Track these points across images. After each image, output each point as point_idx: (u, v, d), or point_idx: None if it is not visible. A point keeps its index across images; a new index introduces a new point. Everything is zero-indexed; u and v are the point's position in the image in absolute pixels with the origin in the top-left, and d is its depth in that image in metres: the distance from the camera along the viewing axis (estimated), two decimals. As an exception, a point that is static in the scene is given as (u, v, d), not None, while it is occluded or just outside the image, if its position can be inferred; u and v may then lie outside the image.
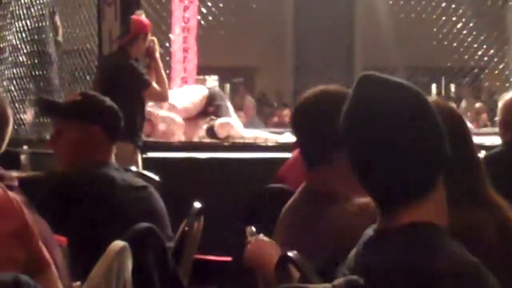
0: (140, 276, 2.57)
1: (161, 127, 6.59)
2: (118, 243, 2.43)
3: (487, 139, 5.37)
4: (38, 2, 7.64)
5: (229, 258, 4.04)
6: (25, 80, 7.87)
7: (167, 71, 6.85)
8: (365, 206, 2.16)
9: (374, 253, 1.61)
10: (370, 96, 1.61)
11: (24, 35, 7.82)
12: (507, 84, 9.60)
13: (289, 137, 5.96)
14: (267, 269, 2.19)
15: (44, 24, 7.56)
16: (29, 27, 7.75)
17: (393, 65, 11.14)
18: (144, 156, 5.68)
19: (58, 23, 7.38)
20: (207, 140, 6.64)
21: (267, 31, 13.82)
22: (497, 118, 4.40)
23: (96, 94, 3.29)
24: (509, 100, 4.15)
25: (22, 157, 6.02)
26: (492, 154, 3.94)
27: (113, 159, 3.09)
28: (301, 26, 15.07)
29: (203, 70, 8.31)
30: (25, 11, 7.76)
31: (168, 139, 6.54)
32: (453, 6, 10.11)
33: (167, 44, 7.79)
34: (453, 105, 2.10)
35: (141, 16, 5.97)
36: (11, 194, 2.04)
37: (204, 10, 9.02)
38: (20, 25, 7.87)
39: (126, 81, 5.49)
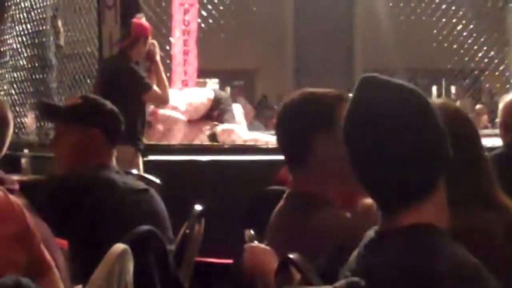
0: (141, 279, 2.57)
1: (160, 127, 6.59)
2: (119, 246, 2.43)
3: (488, 140, 5.37)
4: (38, 6, 7.65)
5: (230, 261, 4.04)
6: (25, 84, 7.87)
7: (168, 74, 6.86)
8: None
9: (375, 255, 1.61)
10: (371, 98, 1.62)
11: (24, 38, 7.82)
12: (507, 86, 9.61)
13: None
14: (266, 276, 2.19)
15: (44, 27, 7.57)
16: (29, 30, 7.76)
17: (393, 67, 11.14)
18: (145, 159, 5.68)
19: (60, 27, 7.39)
20: (208, 142, 6.64)
21: (268, 33, 13.82)
22: (497, 120, 4.40)
23: (97, 97, 3.29)
24: (509, 102, 4.15)
25: (23, 160, 6.02)
26: (493, 155, 3.93)
27: (114, 162, 3.10)
28: (301, 29, 15.08)
29: (203, 73, 8.32)
30: (25, 15, 7.76)
31: (167, 139, 6.55)
32: (453, 8, 10.12)
33: (168, 47, 7.79)
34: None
35: (141, 20, 5.97)
36: (12, 197, 2.05)
37: (204, 13, 9.02)
38: (21, 28, 7.88)
39: (126, 84, 5.49)
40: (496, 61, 9.95)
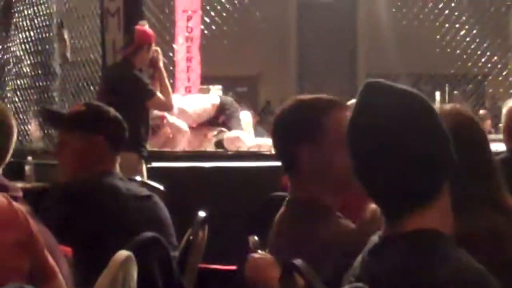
0: (145, 285, 2.57)
1: (167, 130, 6.58)
2: (123, 253, 2.43)
3: (491, 145, 5.35)
4: (41, 13, 7.66)
5: (234, 267, 4.04)
6: (28, 91, 7.88)
7: (171, 81, 6.86)
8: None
9: (379, 260, 1.61)
10: (374, 103, 1.61)
11: (27, 46, 7.83)
12: (510, 91, 9.60)
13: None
14: (268, 286, 2.19)
15: (47, 35, 7.58)
16: (33, 38, 7.77)
17: (396, 72, 11.13)
18: (149, 165, 5.68)
19: (66, 37, 7.39)
20: (211, 149, 6.64)
21: (270, 39, 13.83)
22: (501, 125, 4.40)
23: (100, 104, 3.29)
24: (513, 107, 4.15)
25: (27, 168, 6.03)
26: (496, 160, 3.93)
27: (117, 169, 3.10)
28: (304, 34, 15.09)
29: (206, 79, 8.32)
30: (28, 22, 7.77)
31: (171, 145, 6.55)
32: (456, 13, 10.11)
33: (171, 54, 7.80)
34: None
35: (144, 27, 5.99)
36: (16, 204, 2.05)
37: (207, 20, 9.03)
38: (24, 36, 7.89)
39: (130, 91, 5.50)
40: (499, 66, 9.94)
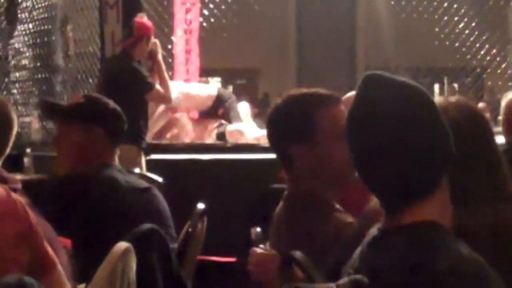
0: (144, 277, 2.58)
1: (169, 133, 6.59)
2: (122, 245, 2.43)
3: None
4: (40, 5, 7.64)
5: (233, 259, 4.04)
6: (27, 83, 7.87)
7: (170, 73, 6.86)
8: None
9: (378, 253, 1.61)
10: (374, 96, 1.61)
11: (26, 38, 7.82)
12: (509, 83, 9.60)
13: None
14: (271, 280, 2.20)
15: (47, 27, 7.56)
16: (31, 30, 7.75)
17: (395, 66, 11.12)
18: (148, 158, 5.68)
19: (70, 35, 7.37)
20: (210, 141, 6.65)
21: (270, 33, 13.81)
22: (500, 117, 4.40)
23: (99, 96, 3.29)
24: (511, 99, 4.15)
25: (26, 160, 6.03)
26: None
27: (116, 161, 3.10)
28: (304, 28, 15.06)
29: (205, 72, 8.32)
30: (27, 15, 7.75)
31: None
32: (455, 6, 10.10)
33: (170, 46, 7.79)
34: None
35: (143, 19, 5.98)
36: (15, 195, 2.05)
37: (206, 12, 9.02)
38: (22, 28, 7.87)
39: (129, 84, 5.49)
40: (498, 59, 9.93)
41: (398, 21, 11.62)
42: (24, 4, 7.78)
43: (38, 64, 7.68)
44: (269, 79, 14.65)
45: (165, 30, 7.92)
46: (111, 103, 3.14)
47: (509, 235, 1.81)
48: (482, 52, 10.00)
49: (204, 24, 8.71)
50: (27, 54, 7.87)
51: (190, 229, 3.09)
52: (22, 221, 2.02)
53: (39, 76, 7.65)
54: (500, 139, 4.27)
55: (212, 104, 6.87)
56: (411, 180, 1.59)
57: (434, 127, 1.61)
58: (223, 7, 9.60)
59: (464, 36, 10.08)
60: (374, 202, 2.08)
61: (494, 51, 9.95)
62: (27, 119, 7.84)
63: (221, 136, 6.67)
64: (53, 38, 7.48)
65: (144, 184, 3.13)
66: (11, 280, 1.79)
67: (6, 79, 8.12)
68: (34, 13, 7.67)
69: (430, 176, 1.60)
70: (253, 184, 3.64)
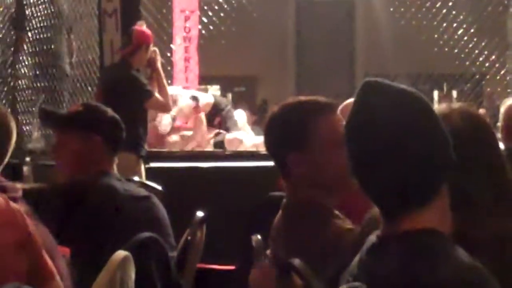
0: (143, 285, 2.58)
1: (172, 138, 6.58)
2: (121, 253, 2.43)
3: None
4: (39, 14, 7.64)
5: (232, 267, 4.04)
6: (26, 92, 7.87)
7: (169, 81, 6.86)
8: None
9: (377, 260, 1.61)
10: (373, 102, 1.61)
11: (25, 46, 7.82)
12: (508, 90, 9.59)
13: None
14: None
15: (46, 35, 7.55)
16: (31, 39, 7.75)
17: (395, 72, 11.11)
18: (147, 166, 5.68)
19: (74, 44, 7.36)
20: (209, 149, 6.65)
21: (269, 40, 13.81)
22: (499, 124, 4.39)
23: (98, 104, 3.30)
24: (511, 105, 4.15)
25: (25, 168, 6.03)
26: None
27: (115, 169, 3.10)
28: (303, 34, 15.07)
29: (204, 79, 8.31)
30: (26, 23, 7.74)
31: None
32: (453, 12, 10.10)
33: (169, 54, 7.80)
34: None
35: (142, 27, 5.98)
36: (14, 205, 2.05)
37: (205, 20, 9.02)
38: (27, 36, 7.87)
39: (128, 92, 5.50)
40: (497, 65, 9.92)
41: (397, 28, 11.63)
42: (28, 11, 7.76)
43: (37, 72, 7.67)
44: (268, 86, 14.65)
45: (164, 37, 7.92)
46: (110, 111, 3.14)
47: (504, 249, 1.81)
48: (481, 59, 10.00)
49: (203, 32, 8.72)
50: (26, 62, 7.86)
51: (189, 237, 3.09)
52: (21, 230, 2.02)
53: (39, 84, 7.63)
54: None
55: (209, 112, 6.87)
56: (410, 187, 1.59)
57: (433, 134, 1.61)
58: (221, 14, 9.61)
59: (463, 42, 10.08)
60: (375, 209, 2.09)
61: (493, 57, 9.95)
62: (27, 128, 7.85)
63: (219, 145, 6.66)
64: (58, 45, 7.47)
65: (143, 192, 3.13)
66: (9, 289, 1.79)
67: (5, 87, 8.12)
68: (33, 21, 7.66)
69: (430, 183, 1.60)
70: (252, 192, 3.63)
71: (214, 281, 4.30)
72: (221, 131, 6.82)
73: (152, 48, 5.89)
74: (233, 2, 9.86)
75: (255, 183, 4.35)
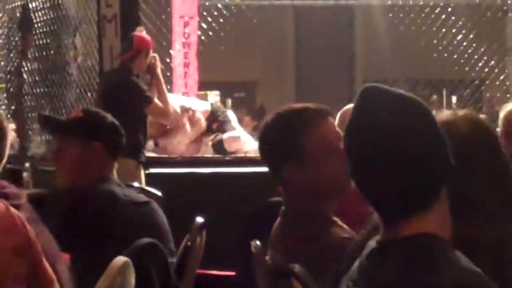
0: (143, 291, 2.57)
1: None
2: (121, 259, 2.43)
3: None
4: (38, 20, 7.64)
5: (232, 273, 4.03)
6: (25, 97, 7.87)
7: (168, 87, 6.86)
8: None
9: (377, 265, 1.61)
10: (372, 107, 1.61)
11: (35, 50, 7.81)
12: (508, 95, 9.60)
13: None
14: None
15: (46, 41, 7.55)
16: (40, 42, 7.74)
17: (394, 78, 11.13)
18: (147, 171, 5.68)
19: (79, 47, 7.34)
20: (209, 154, 6.64)
21: (268, 45, 13.83)
22: (498, 129, 4.39)
23: (98, 110, 3.30)
24: (510, 111, 4.15)
25: (25, 174, 6.03)
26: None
27: (115, 175, 3.10)
28: (302, 40, 15.09)
29: (204, 85, 8.32)
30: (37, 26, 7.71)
31: (171, 139, 6.52)
32: (452, 18, 10.12)
33: (168, 60, 7.80)
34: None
35: (142, 33, 5.99)
36: (14, 211, 2.05)
37: (204, 26, 9.04)
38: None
39: (128, 98, 5.50)
40: (496, 70, 9.94)
41: (396, 33, 11.64)
42: (35, 15, 7.75)
43: (37, 78, 7.67)
44: (267, 91, 14.66)
45: (163, 43, 7.93)
46: (110, 117, 3.14)
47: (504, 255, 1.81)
48: (480, 64, 10.02)
49: (202, 38, 8.73)
50: (26, 68, 7.86)
51: (189, 243, 3.08)
52: (20, 236, 2.02)
53: (37, 90, 7.63)
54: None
55: (207, 119, 6.87)
56: (409, 192, 1.59)
57: (432, 139, 1.61)
58: (221, 20, 9.63)
59: (462, 48, 10.10)
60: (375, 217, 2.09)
61: (492, 62, 9.96)
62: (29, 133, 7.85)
63: (218, 145, 6.65)
64: (51, 52, 7.47)
65: (143, 198, 3.13)
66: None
67: (5, 94, 8.12)
68: (32, 28, 7.66)
69: (429, 188, 1.60)
70: (252, 197, 3.63)
71: (214, 286, 4.30)
72: (219, 134, 6.82)
73: (152, 54, 5.90)
74: (233, 8, 9.89)
75: (255, 188, 4.35)
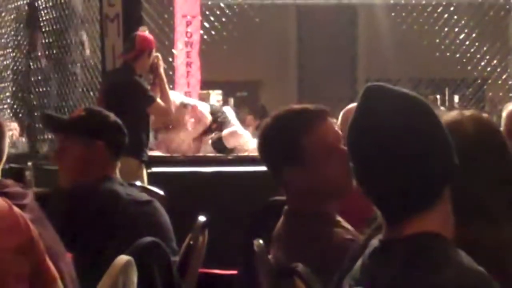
0: (145, 290, 2.57)
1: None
2: (123, 258, 2.43)
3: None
4: (42, 19, 7.63)
5: (234, 272, 4.03)
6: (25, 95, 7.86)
7: (171, 86, 6.85)
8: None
9: (379, 264, 1.61)
10: (375, 106, 1.62)
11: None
12: (510, 94, 9.59)
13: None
14: None
15: (48, 40, 7.55)
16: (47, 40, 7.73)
17: (396, 77, 11.12)
18: (149, 171, 5.69)
19: (84, 38, 7.32)
20: (211, 154, 6.64)
21: (271, 45, 13.83)
22: (501, 128, 4.39)
23: (101, 109, 3.30)
24: (512, 110, 4.15)
25: (27, 173, 6.03)
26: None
27: (117, 174, 3.10)
28: (304, 39, 15.08)
29: (206, 84, 8.32)
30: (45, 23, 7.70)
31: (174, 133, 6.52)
32: (455, 17, 10.10)
33: (170, 59, 7.80)
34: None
35: (145, 32, 5.99)
36: (17, 210, 2.05)
37: (207, 25, 9.03)
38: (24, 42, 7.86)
39: (130, 97, 5.50)
40: (498, 70, 9.93)
41: (399, 33, 11.63)
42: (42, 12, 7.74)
43: (39, 77, 7.66)
44: (270, 90, 14.65)
45: (166, 43, 7.93)
46: (112, 116, 3.14)
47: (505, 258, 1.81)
48: (483, 63, 10.00)
49: (205, 37, 8.73)
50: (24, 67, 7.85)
51: (191, 242, 3.08)
52: (24, 235, 2.02)
53: (40, 89, 7.63)
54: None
55: None
56: (412, 191, 1.59)
57: (435, 138, 1.61)
58: (223, 19, 9.62)
59: (464, 47, 10.09)
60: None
61: (495, 62, 9.95)
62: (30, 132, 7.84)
63: (217, 142, 6.64)
64: (54, 51, 7.46)
65: (145, 197, 3.13)
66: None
67: (7, 93, 8.11)
68: (44, 24, 7.64)
69: (432, 187, 1.60)
70: (254, 196, 3.63)
71: (216, 285, 4.30)
72: (218, 132, 6.83)
73: (155, 54, 5.90)
74: (235, 7, 9.89)
75: (257, 187, 4.34)
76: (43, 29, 7.51)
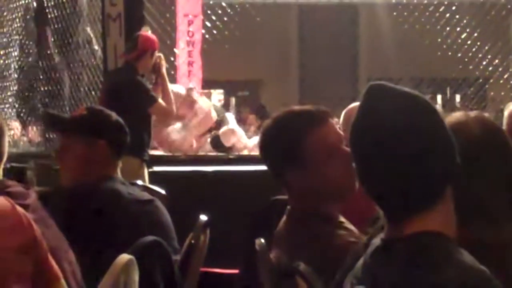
0: (147, 289, 2.57)
1: (174, 136, 6.52)
2: (125, 257, 2.43)
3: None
4: (53, 16, 7.62)
5: (235, 271, 4.03)
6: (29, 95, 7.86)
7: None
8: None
9: (381, 263, 1.61)
10: (377, 106, 1.62)
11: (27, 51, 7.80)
12: (512, 93, 9.60)
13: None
14: None
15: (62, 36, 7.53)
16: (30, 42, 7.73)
17: (398, 77, 11.12)
18: (150, 170, 5.69)
19: (89, 31, 7.29)
20: (213, 153, 6.64)
21: (272, 44, 13.83)
22: (503, 128, 4.39)
23: (102, 109, 3.30)
24: (514, 109, 4.15)
25: (28, 172, 6.03)
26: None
27: (118, 173, 3.10)
28: (306, 38, 15.09)
29: (208, 84, 8.33)
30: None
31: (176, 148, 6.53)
32: (457, 16, 10.11)
33: (172, 58, 7.80)
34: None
35: (148, 32, 5.99)
36: (20, 209, 2.05)
37: (208, 24, 9.04)
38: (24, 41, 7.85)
39: (132, 97, 5.50)
40: (500, 69, 9.93)
41: (401, 32, 11.64)
42: (19, 14, 7.73)
43: (41, 77, 7.66)
44: (271, 90, 14.65)
45: (168, 42, 7.93)
46: (114, 115, 3.14)
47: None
48: (484, 63, 10.01)
49: (207, 36, 8.73)
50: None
51: (193, 241, 3.08)
52: (27, 234, 2.02)
53: (43, 88, 7.63)
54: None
55: None
56: (414, 190, 1.59)
57: (437, 137, 1.61)
58: (225, 18, 9.63)
59: (466, 46, 10.09)
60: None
61: (497, 61, 9.95)
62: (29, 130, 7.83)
63: (215, 140, 6.64)
64: (54, 50, 7.45)
65: (147, 196, 3.13)
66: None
67: (9, 93, 8.11)
68: (33, 25, 7.64)
69: (433, 186, 1.60)
70: (256, 195, 3.63)
71: (218, 284, 4.30)
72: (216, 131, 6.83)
73: (157, 54, 5.90)
74: (237, 6, 9.89)
75: (259, 186, 4.34)
76: (53, 26, 7.49)
